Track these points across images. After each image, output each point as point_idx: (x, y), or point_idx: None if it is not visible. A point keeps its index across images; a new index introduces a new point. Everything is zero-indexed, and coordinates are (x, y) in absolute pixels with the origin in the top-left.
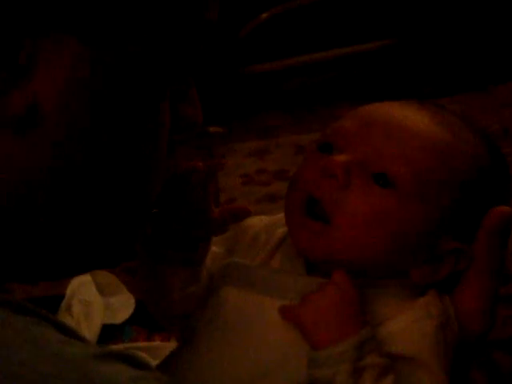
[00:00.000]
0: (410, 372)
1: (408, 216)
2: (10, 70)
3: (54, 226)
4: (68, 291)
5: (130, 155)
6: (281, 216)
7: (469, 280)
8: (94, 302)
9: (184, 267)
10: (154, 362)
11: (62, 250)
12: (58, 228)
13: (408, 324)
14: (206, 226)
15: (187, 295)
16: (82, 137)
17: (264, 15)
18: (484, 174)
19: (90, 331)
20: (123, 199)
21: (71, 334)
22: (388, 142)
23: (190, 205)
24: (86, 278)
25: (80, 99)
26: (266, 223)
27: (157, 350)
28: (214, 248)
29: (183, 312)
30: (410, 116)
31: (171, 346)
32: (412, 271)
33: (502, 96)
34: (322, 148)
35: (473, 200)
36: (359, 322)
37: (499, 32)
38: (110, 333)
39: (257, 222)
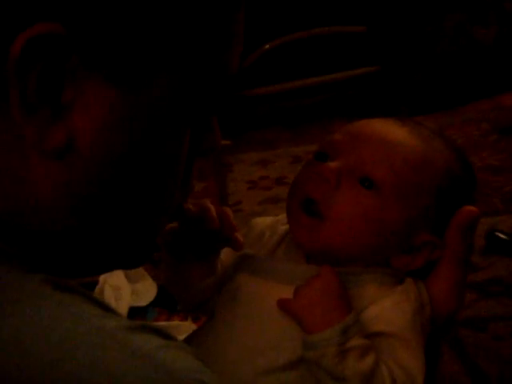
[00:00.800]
0: (391, 347)
1: (389, 213)
2: (53, 107)
3: (88, 236)
4: (101, 278)
5: (153, 175)
6: (282, 216)
7: (441, 268)
8: (123, 287)
9: (200, 264)
10: None
11: (94, 254)
12: (91, 237)
13: (390, 306)
14: (216, 241)
15: (203, 286)
16: (113, 165)
17: (266, 46)
18: (454, 179)
19: (119, 313)
20: (146, 212)
21: (107, 309)
22: (373, 151)
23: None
24: None
25: (113, 135)
26: (269, 223)
27: (176, 328)
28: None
29: (200, 300)
30: (392, 130)
31: (188, 324)
32: (393, 260)
33: (466, 114)
34: (317, 157)
35: (445, 201)
36: (345, 309)
37: (465, 63)
38: (135, 314)
39: (261, 221)
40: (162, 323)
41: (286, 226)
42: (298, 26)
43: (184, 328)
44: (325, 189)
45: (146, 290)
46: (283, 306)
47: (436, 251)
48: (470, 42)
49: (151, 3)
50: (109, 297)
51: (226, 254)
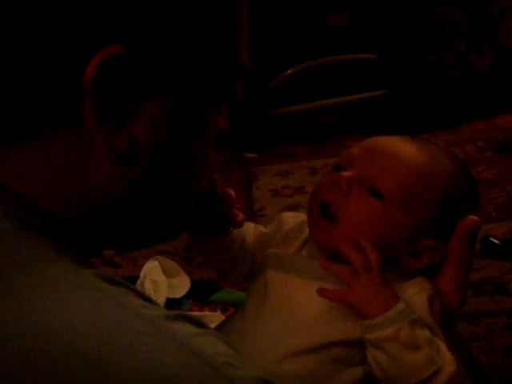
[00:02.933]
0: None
1: (394, 220)
2: (118, 117)
3: (138, 218)
4: (141, 273)
5: (192, 164)
6: (306, 218)
7: (448, 268)
8: (161, 281)
9: (209, 241)
10: None
11: (139, 232)
12: (138, 218)
13: (412, 296)
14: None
15: (221, 259)
16: (163, 161)
17: (288, 71)
18: (458, 191)
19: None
20: (186, 193)
21: (148, 300)
22: (382, 164)
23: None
24: (154, 263)
25: (164, 136)
26: (297, 223)
27: (207, 317)
28: (262, 229)
29: (223, 268)
30: (401, 146)
31: (218, 314)
32: (399, 261)
33: (464, 133)
34: (335, 168)
35: (448, 210)
36: (394, 292)
37: (464, 88)
38: (171, 305)
39: (292, 220)
40: (195, 313)
41: None
42: (318, 54)
43: (214, 318)
44: (337, 194)
45: (181, 284)
46: (335, 296)
47: (438, 255)
48: (468, 70)
49: (185, 23)
50: (148, 289)
51: (259, 237)
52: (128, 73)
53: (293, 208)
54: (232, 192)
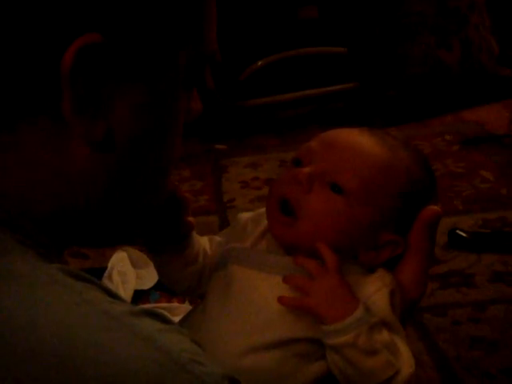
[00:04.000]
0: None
1: (355, 216)
2: (96, 105)
3: (109, 210)
4: (109, 264)
5: (163, 148)
6: (263, 211)
7: (408, 259)
8: (129, 272)
9: (173, 256)
10: (173, 319)
11: (107, 226)
12: (112, 209)
13: (372, 293)
14: (182, 230)
15: (186, 274)
16: (138, 145)
17: (259, 63)
18: (416, 184)
19: (125, 294)
20: (156, 182)
21: (114, 296)
22: (341, 159)
23: (172, 215)
24: (122, 255)
25: (139, 121)
26: (251, 216)
27: (175, 309)
28: (217, 238)
29: (189, 285)
30: (360, 140)
31: (185, 306)
32: (360, 255)
33: (432, 127)
34: (294, 162)
35: (407, 203)
36: (354, 296)
37: (432, 82)
38: (140, 296)
39: (245, 216)
40: (164, 305)
41: None
42: (288, 46)
43: (182, 309)
44: (298, 191)
45: (149, 275)
46: (293, 303)
47: (398, 248)
48: (436, 64)
49: (156, 11)
50: (116, 281)
51: (217, 246)
52: (104, 61)
53: (262, 200)
54: (190, 198)
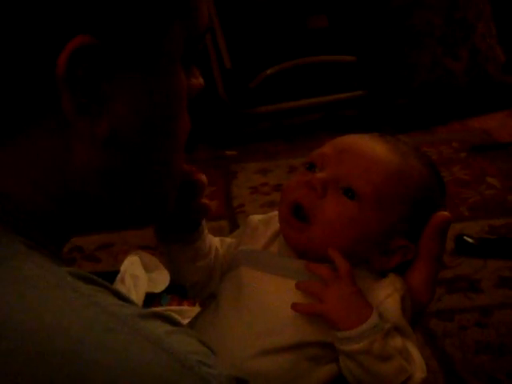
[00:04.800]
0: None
1: (368, 221)
2: (97, 103)
3: (113, 201)
4: (122, 268)
5: (168, 132)
6: (274, 214)
7: (418, 264)
8: (141, 276)
9: (186, 246)
10: (183, 321)
11: (117, 215)
12: (116, 202)
13: (384, 298)
14: (197, 214)
15: (197, 268)
16: (143, 141)
17: (268, 71)
18: (427, 190)
19: (137, 297)
20: (160, 174)
21: (124, 299)
22: (356, 165)
23: (187, 198)
24: (135, 258)
25: (142, 115)
26: (262, 218)
27: (186, 312)
28: (228, 239)
29: (198, 280)
30: (374, 146)
31: (196, 309)
32: (372, 260)
33: (440, 134)
34: (308, 167)
35: (418, 210)
36: (368, 302)
37: (440, 90)
38: (151, 299)
39: (256, 218)
40: (174, 307)
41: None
42: (298, 54)
43: (193, 312)
44: (312, 196)
45: (161, 279)
46: (307, 310)
47: (409, 253)
48: (444, 73)
49: (145, 4)
50: (129, 284)
51: (228, 247)
52: (98, 60)
53: (271, 205)
54: (204, 178)
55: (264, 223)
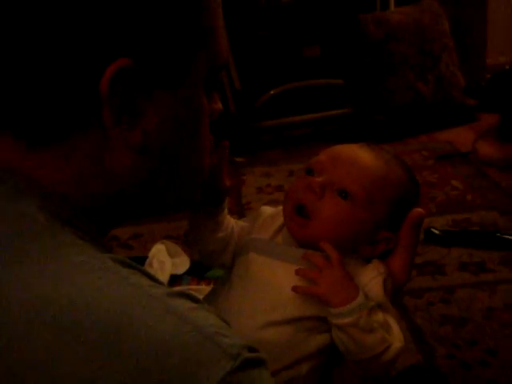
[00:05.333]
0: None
1: (358, 217)
2: (131, 115)
3: (148, 198)
4: (150, 254)
5: (192, 142)
6: (280, 209)
7: (398, 251)
8: (166, 260)
9: (209, 219)
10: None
11: (153, 208)
12: (150, 198)
13: (369, 280)
14: (222, 190)
15: (216, 238)
16: (169, 144)
17: (271, 92)
18: (406, 191)
19: (163, 278)
20: (189, 172)
21: (154, 280)
22: (347, 170)
23: (212, 175)
24: (161, 247)
25: (170, 128)
26: (272, 212)
27: (203, 290)
28: (243, 223)
29: (214, 250)
30: (362, 154)
31: (211, 288)
32: (359, 249)
33: (412, 145)
34: (307, 171)
35: (399, 207)
36: (355, 284)
37: (412, 108)
38: (174, 280)
39: (267, 210)
40: (193, 287)
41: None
42: (295, 78)
43: (208, 291)
44: (312, 197)
45: (182, 263)
46: (305, 291)
47: (391, 243)
48: (415, 94)
49: (177, 36)
50: (156, 267)
51: (242, 229)
52: (135, 80)
53: (273, 203)
54: (226, 144)
55: (272, 217)
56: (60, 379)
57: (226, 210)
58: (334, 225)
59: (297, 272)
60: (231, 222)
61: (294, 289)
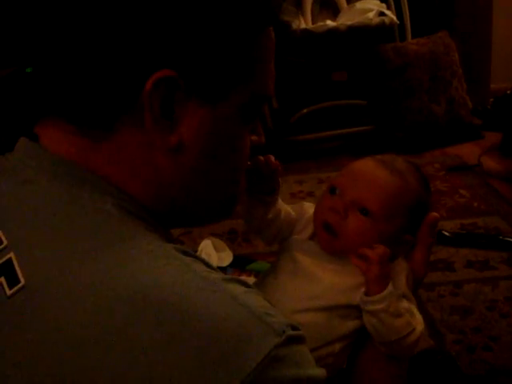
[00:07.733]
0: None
1: (380, 230)
2: (169, 121)
3: (189, 202)
4: (199, 248)
5: (228, 159)
6: None
7: (417, 251)
8: (212, 254)
9: (261, 204)
10: None
11: (195, 213)
12: (191, 203)
13: (396, 274)
14: (275, 185)
15: (267, 220)
16: (206, 154)
17: (304, 110)
18: (421, 200)
19: None
20: (227, 181)
21: (211, 267)
22: (366, 189)
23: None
24: (208, 242)
25: (206, 135)
26: (310, 216)
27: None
28: (289, 209)
29: (261, 227)
30: (378, 173)
31: (252, 279)
32: None
33: (426, 158)
34: (330, 190)
35: (416, 214)
36: (390, 277)
37: (426, 127)
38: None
39: (309, 210)
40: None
41: None
42: (325, 99)
43: (250, 282)
44: (337, 217)
45: (226, 257)
46: (362, 266)
47: (411, 244)
48: (429, 114)
49: (224, 57)
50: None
51: (288, 215)
52: (175, 89)
53: None
54: (272, 158)
55: (310, 221)
56: (136, 344)
57: (277, 197)
58: (359, 239)
59: (354, 262)
60: (284, 209)
61: (354, 260)
